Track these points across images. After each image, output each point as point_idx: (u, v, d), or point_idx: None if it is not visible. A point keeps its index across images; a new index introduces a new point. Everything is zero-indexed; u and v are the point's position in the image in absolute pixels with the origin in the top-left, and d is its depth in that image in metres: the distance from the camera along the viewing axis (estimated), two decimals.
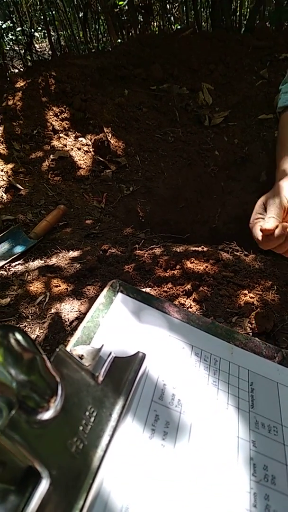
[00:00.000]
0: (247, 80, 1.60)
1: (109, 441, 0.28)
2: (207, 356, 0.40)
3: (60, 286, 0.81)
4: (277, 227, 0.60)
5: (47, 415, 0.27)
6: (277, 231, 0.60)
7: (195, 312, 0.75)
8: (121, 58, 1.63)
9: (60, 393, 0.28)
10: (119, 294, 0.43)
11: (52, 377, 0.28)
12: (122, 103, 1.47)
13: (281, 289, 0.81)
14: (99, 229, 1.04)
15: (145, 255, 0.91)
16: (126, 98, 1.50)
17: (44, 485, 0.24)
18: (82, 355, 0.35)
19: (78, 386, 0.30)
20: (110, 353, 0.34)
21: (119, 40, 2.28)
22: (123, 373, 0.33)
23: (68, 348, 0.36)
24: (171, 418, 0.32)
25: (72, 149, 1.33)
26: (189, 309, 0.78)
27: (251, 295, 0.78)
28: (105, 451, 0.27)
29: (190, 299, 0.79)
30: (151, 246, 0.95)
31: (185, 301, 0.78)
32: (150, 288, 0.80)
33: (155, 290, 0.81)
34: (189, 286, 0.80)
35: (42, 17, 2.66)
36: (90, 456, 0.27)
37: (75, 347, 0.36)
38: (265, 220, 0.62)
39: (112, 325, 0.39)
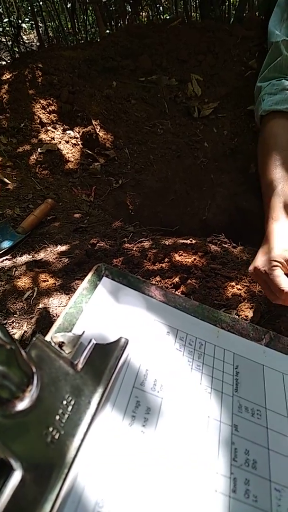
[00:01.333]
0: (236, 71, 1.59)
1: (87, 429, 0.28)
2: (192, 340, 0.40)
3: (48, 281, 0.80)
4: None
5: (22, 406, 0.27)
6: None
7: None
8: (109, 49, 1.61)
9: (35, 383, 0.28)
10: (104, 278, 0.42)
11: (27, 366, 0.28)
12: (110, 95, 1.46)
13: None
14: (87, 223, 1.04)
15: (134, 249, 0.91)
16: (115, 90, 1.49)
17: (16, 478, 0.24)
18: (62, 343, 0.35)
19: (56, 375, 0.30)
20: (91, 340, 0.34)
21: (108, 31, 2.25)
22: (104, 360, 0.33)
23: (49, 335, 0.36)
24: (152, 404, 0.32)
25: (60, 142, 1.32)
26: None
27: (239, 286, 0.78)
28: (82, 440, 0.27)
29: (178, 292, 0.79)
30: (140, 239, 0.95)
31: None
32: None
33: None
34: (177, 279, 0.80)
35: (29, 7, 2.62)
36: (66, 446, 0.27)
37: (56, 334, 0.36)
38: None
39: (96, 310, 0.39)
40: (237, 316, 0.74)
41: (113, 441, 0.28)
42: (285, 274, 0.60)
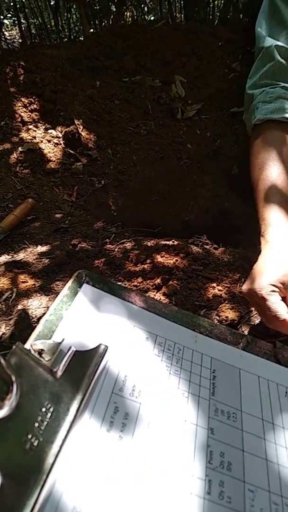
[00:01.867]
0: (219, 73, 1.61)
1: (65, 436, 0.28)
2: (170, 345, 0.41)
3: (27, 282, 0.80)
4: None
5: (1, 414, 0.27)
6: None
7: None
8: (92, 48, 1.60)
9: (15, 390, 0.28)
10: (84, 285, 0.43)
11: (6, 375, 0.28)
12: (93, 95, 1.46)
13: None
14: (69, 223, 1.04)
15: (116, 250, 0.91)
16: (98, 90, 1.48)
17: None
18: (42, 350, 0.35)
19: (35, 382, 0.30)
20: (70, 348, 0.34)
21: (92, 30, 2.24)
22: (84, 367, 0.33)
23: (28, 343, 0.36)
24: (130, 410, 0.33)
25: (41, 141, 1.31)
26: None
27: (220, 287, 0.79)
28: (60, 446, 0.28)
29: (160, 293, 0.80)
30: (122, 241, 0.95)
31: (154, 295, 0.79)
32: (120, 283, 0.80)
33: (125, 284, 0.81)
34: (159, 280, 0.81)
35: (12, 3, 2.59)
36: (45, 453, 0.27)
37: (36, 341, 0.36)
38: None
39: (76, 317, 0.39)
40: (217, 318, 0.75)
41: (91, 447, 0.28)
42: (282, 299, 0.56)
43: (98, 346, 0.35)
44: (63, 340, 0.35)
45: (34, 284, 0.80)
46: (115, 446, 0.29)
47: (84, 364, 0.33)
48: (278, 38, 0.97)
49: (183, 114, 1.53)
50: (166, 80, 1.57)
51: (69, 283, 0.41)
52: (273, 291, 0.55)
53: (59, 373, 0.31)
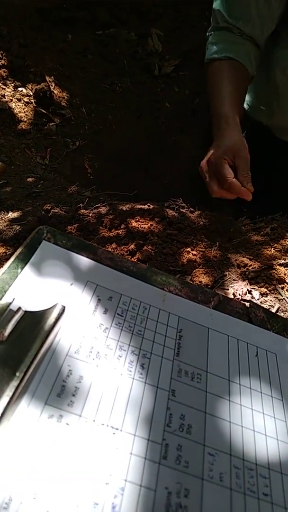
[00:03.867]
0: (198, 27, 1.53)
1: (8, 402, 0.27)
2: (135, 305, 0.39)
3: None
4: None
5: None
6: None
7: None
8: None
9: None
10: (44, 242, 0.40)
11: None
12: (65, 49, 1.37)
13: (223, 245, 0.82)
14: (41, 188, 1.00)
15: (90, 215, 0.88)
16: (70, 43, 1.39)
17: None
18: None
19: None
20: (19, 308, 0.32)
21: None
22: (35, 328, 0.32)
23: None
24: (85, 373, 0.31)
25: (11, 100, 1.24)
26: None
27: (194, 252, 0.78)
28: (2, 414, 0.27)
29: (134, 259, 0.79)
30: (97, 205, 0.92)
31: None
32: None
33: None
34: (133, 246, 0.79)
35: None
36: None
37: None
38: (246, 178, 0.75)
39: (32, 276, 0.37)
40: (191, 282, 0.74)
41: (36, 416, 0.27)
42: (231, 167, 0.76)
43: (54, 306, 0.33)
44: (13, 300, 0.33)
45: (5, 252, 0.78)
46: (67, 411, 0.28)
47: (36, 325, 0.32)
48: None
49: (161, 70, 1.46)
50: (142, 33, 1.48)
51: (27, 240, 0.38)
52: (224, 160, 0.77)
53: (5, 335, 0.29)
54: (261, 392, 0.37)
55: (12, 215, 0.89)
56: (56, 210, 0.91)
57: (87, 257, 0.41)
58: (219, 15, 1.03)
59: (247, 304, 0.56)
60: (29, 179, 1.03)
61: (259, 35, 0.99)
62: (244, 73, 0.99)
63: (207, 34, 1.10)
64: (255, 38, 1.00)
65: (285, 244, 0.84)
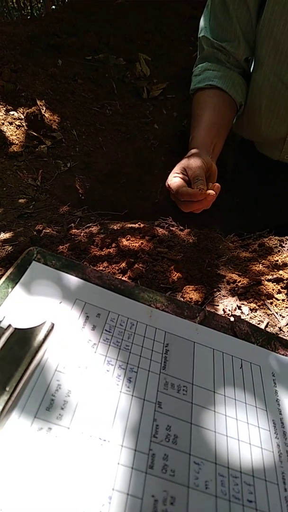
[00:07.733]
0: (184, 51, 1.59)
1: None
2: (123, 321, 0.41)
3: None
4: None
5: None
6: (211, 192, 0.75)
7: None
8: (53, 25, 1.55)
9: None
10: (34, 263, 0.42)
11: None
12: (55, 74, 1.41)
13: (213, 262, 0.84)
14: (33, 208, 1.02)
15: (81, 234, 0.90)
16: (60, 68, 1.44)
17: None
18: None
19: None
20: (9, 325, 0.34)
21: (53, 7, 2.16)
22: (25, 344, 0.33)
23: None
24: (74, 386, 0.32)
25: (3, 123, 1.27)
26: None
27: (184, 269, 0.80)
28: None
29: (125, 277, 0.80)
30: (88, 225, 0.94)
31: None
32: None
33: None
34: (124, 264, 0.81)
35: None
36: None
37: None
38: (201, 185, 0.76)
39: (22, 296, 0.38)
40: (182, 299, 0.76)
41: (27, 427, 0.28)
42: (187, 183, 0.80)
43: (43, 323, 0.34)
44: (3, 318, 0.34)
45: None
46: (55, 424, 0.29)
47: (26, 342, 0.33)
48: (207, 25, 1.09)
49: (149, 93, 1.51)
50: (130, 58, 1.53)
51: (18, 260, 0.40)
52: (176, 175, 0.81)
53: None
54: (245, 403, 0.38)
55: (4, 236, 0.90)
56: (48, 230, 0.93)
57: (76, 276, 0.42)
58: (204, 41, 1.08)
59: (232, 318, 0.58)
60: (21, 200, 1.05)
61: (245, 54, 1.03)
62: (226, 98, 1.03)
63: (193, 69, 1.15)
64: (239, 60, 1.03)
65: (272, 260, 0.86)
